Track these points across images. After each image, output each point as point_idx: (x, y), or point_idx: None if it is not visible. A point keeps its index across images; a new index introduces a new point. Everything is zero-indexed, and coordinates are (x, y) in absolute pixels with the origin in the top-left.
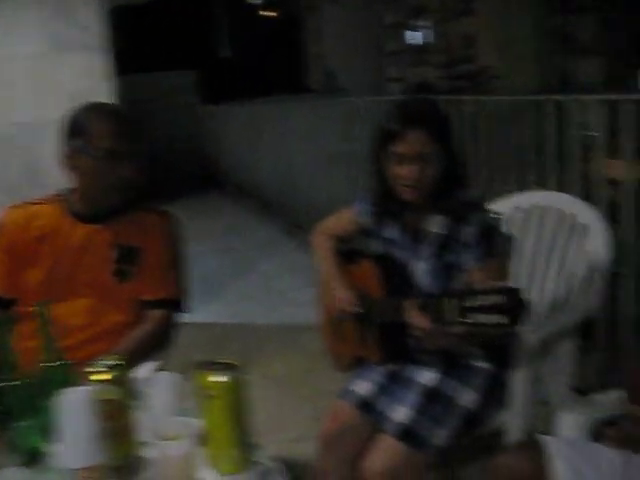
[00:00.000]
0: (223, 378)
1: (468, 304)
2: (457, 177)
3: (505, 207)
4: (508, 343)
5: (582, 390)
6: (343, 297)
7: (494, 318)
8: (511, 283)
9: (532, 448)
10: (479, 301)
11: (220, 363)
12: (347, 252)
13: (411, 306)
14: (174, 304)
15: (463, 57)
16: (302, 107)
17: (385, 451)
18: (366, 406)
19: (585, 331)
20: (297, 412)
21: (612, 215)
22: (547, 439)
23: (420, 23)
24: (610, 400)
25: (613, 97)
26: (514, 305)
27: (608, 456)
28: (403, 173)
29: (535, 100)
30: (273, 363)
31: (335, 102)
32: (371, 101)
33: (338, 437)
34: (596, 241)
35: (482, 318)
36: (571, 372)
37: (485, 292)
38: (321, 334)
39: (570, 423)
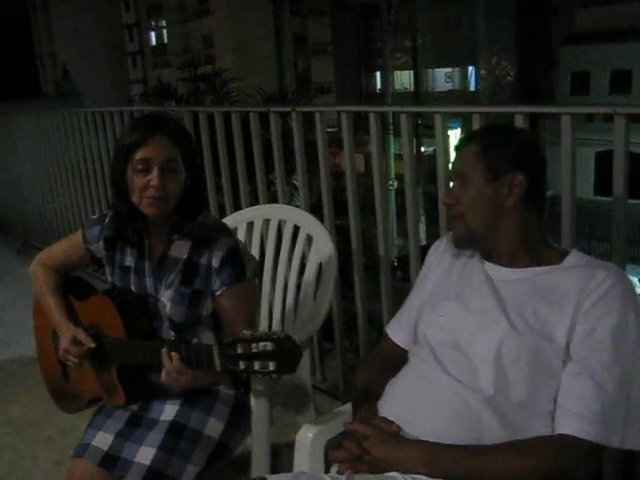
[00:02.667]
0: None
1: (232, 352)
2: (200, 199)
3: (235, 221)
4: None
5: (331, 392)
6: (69, 337)
7: (261, 365)
8: (260, 308)
9: None
10: (243, 349)
11: None
12: (76, 284)
13: (168, 353)
14: None
15: (203, 58)
16: (28, 116)
17: None
18: (108, 460)
19: (327, 334)
20: (38, 457)
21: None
22: (271, 478)
23: (159, 23)
24: (345, 417)
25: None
26: (284, 353)
27: None
28: (146, 182)
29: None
30: (11, 405)
31: (65, 111)
32: (103, 111)
33: None
34: (324, 251)
35: (248, 365)
36: (309, 384)
37: (250, 340)
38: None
39: (306, 446)
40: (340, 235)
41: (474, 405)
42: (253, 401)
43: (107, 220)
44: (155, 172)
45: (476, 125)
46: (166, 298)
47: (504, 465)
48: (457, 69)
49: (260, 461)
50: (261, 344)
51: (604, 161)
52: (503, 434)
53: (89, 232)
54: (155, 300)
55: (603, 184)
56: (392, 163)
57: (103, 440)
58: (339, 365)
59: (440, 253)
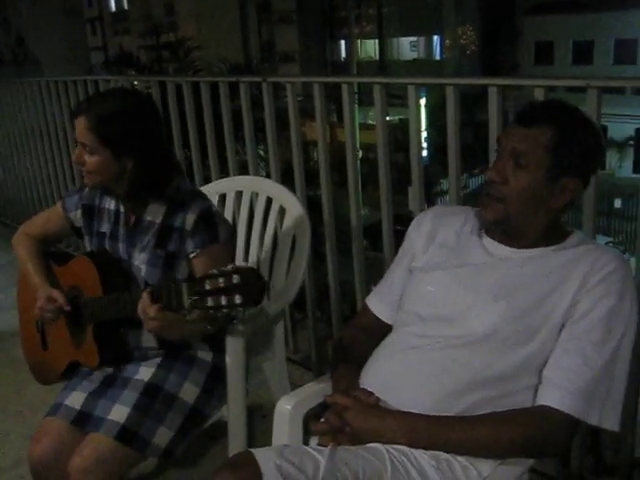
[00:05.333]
0: None
1: (199, 289)
2: (167, 166)
3: (207, 193)
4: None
5: (303, 364)
6: (44, 297)
7: (228, 299)
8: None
9: (244, 465)
10: (212, 285)
11: None
12: (57, 254)
13: (142, 299)
14: None
15: (165, 26)
16: None
17: (91, 447)
18: (81, 418)
19: (299, 305)
20: (9, 433)
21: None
22: (257, 452)
23: None
24: (322, 388)
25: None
26: (249, 284)
27: (313, 457)
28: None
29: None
30: None
31: (25, 80)
32: (67, 81)
33: (52, 460)
34: (297, 223)
35: (216, 301)
36: (283, 356)
37: (218, 275)
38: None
39: (284, 418)
40: (309, 206)
41: (462, 380)
42: (228, 364)
43: (86, 190)
44: (77, 149)
45: (450, 97)
46: (140, 261)
47: (484, 435)
48: (422, 38)
49: (236, 428)
50: (228, 278)
51: None
52: (488, 408)
53: (69, 201)
54: (129, 264)
55: None
56: (357, 132)
57: (76, 399)
58: (311, 336)
59: (426, 225)
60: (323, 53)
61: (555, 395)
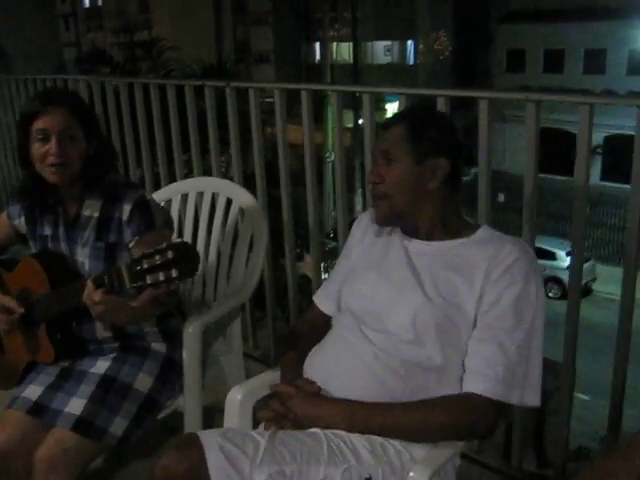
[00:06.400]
0: None
1: (138, 268)
2: (107, 160)
3: (169, 193)
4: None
5: (263, 360)
6: (0, 308)
7: (166, 275)
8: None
9: (189, 445)
10: (149, 263)
11: None
12: (6, 261)
13: (87, 286)
14: None
15: (139, 23)
16: None
17: (55, 440)
18: (37, 408)
19: (258, 302)
20: None
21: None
22: (202, 433)
23: None
24: (272, 379)
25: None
26: (183, 257)
27: (254, 439)
28: (46, 150)
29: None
30: None
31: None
32: (37, 79)
33: (14, 449)
34: (255, 223)
35: (154, 278)
36: (240, 351)
37: (154, 253)
38: None
39: (235, 407)
40: (275, 206)
41: (392, 369)
42: (185, 356)
43: (28, 197)
44: (54, 140)
45: (403, 105)
46: (83, 256)
47: (416, 420)
48: (396, 43)
49: (192, 418)
50: (164, 254)
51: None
52: (417, 396)
53: (12, 209)
54: (73, 261)
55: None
56: (330, 135)
57: (33, 392)
58: (270, 333)
59: (363, 226)
60: (298, 55)
61: (478, 382)
